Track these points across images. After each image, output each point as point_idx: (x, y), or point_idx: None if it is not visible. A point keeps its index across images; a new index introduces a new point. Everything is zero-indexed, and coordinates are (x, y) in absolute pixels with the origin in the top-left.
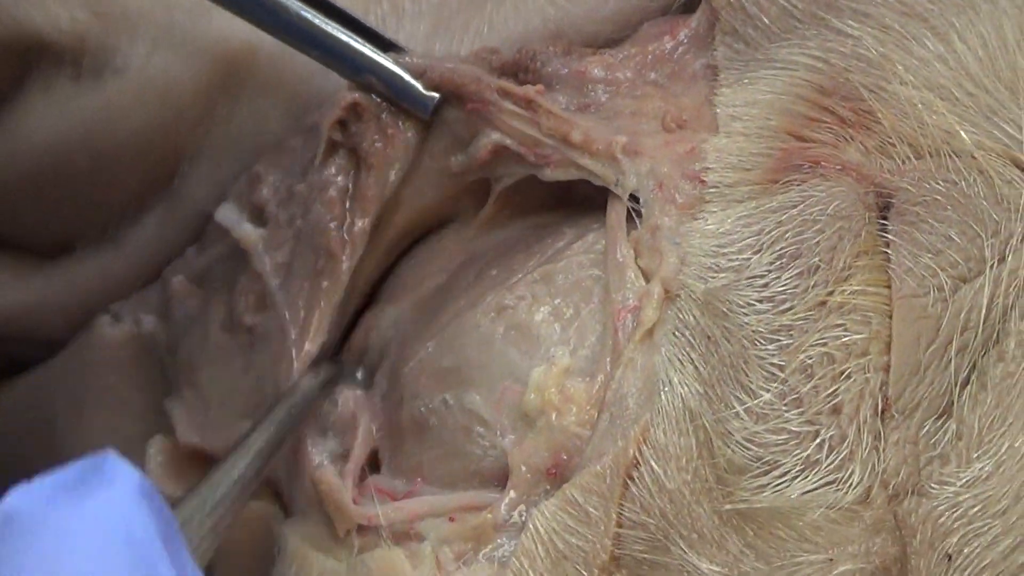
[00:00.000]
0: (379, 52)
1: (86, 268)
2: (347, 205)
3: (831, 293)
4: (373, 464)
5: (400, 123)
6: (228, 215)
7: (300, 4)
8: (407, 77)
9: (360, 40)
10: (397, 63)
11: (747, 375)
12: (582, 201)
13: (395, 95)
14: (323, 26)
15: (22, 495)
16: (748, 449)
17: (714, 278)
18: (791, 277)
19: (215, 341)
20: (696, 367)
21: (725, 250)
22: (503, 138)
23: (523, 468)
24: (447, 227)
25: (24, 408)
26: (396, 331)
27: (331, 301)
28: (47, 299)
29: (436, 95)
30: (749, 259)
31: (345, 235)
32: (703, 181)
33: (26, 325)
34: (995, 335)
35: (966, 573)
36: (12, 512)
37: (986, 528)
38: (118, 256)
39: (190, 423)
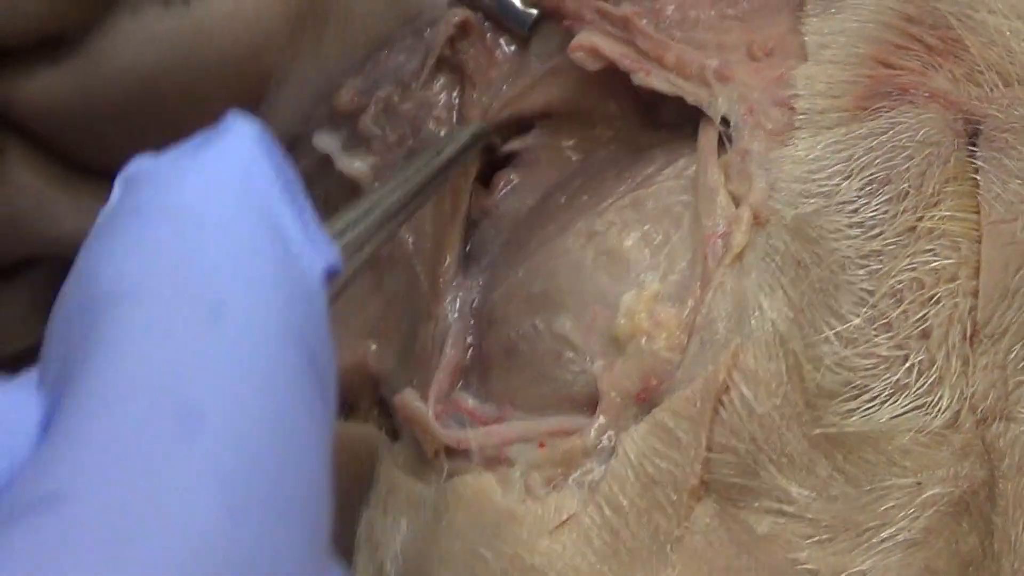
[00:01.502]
0: None
1: None
2: (454, 124)
3: (920, 219)
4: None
5: (502, 41)
6: (327, 142)
7: None
8: None
9: None
10: None
11: (837, 300)
12: (673, 126)
13: (496, 9)
14: None
15: (143, 159)
16: (838, 374)
17: (804, 203)
18: (881, 203)
19: None
20: (786, 292)
21: (815, 176)
22: (598, 41)
23: (613, 393)
24: (540, 148)
25: None
26: (495, 239)
27: (456, 221)
28: None
29: (534, 11)
30: (839, 185)
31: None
32: (792, 108)
33: None
34: None
35: None
36: (131, 173)
37: None
38: None
39: None
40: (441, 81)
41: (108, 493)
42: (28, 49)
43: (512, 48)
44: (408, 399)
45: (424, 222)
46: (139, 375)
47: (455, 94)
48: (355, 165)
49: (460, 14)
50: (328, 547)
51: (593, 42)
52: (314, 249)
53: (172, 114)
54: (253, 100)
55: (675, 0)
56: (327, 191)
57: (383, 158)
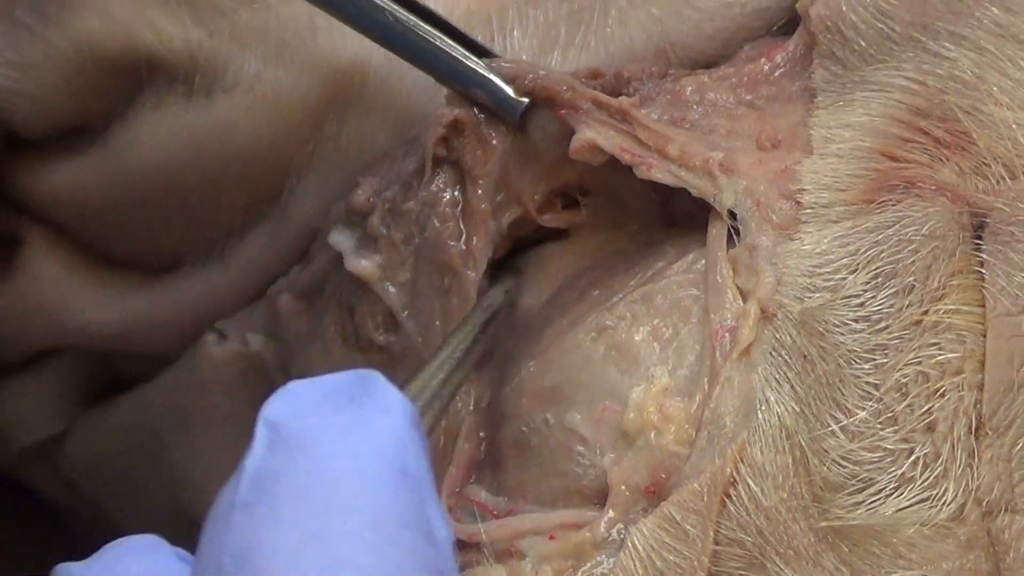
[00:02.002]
0: (471, 56)
1: (193, 285)
2: (460, 220)
3: (926, 312)
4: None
5: (496, 132)
6: (340, 239)
7: (398, 8)
8: (498, 81)
9: (453, 45)
10: (489, 68)
11: (843, 394)
12: (684, 220)
13: (487, 100)
14: (418, 30)
15: (285, 403)
16: (843, 467)
17: (810, 298)
18: (886, 296)
19: (338, 358)
20: (792, 386)
21: (821, 270)
22: (597, 137)
23: (622, 486)
24: (550, 243)
25: (130, 426)
26: (502, 343)
27: (463, 313)
28: (154, 316)
29: (525, 100)
30: (845, 279)
31: (464, 248)
32: (799, 201)
33: (133, 341)
34: None
35: None
36: (278, 421)
37: None
38: (225, 273)
39: None
40: (442, 179)
41: None
42: (52, 141)
43: (509, 138)
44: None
45: (433, 317)
46: None
47: (457, 190)
48: (362, 264)
49: (449, 114)
50: None
51: (592, 139)
52: (448, 527)
53: (194, 205)
54: (273, 193)
55: (694, 83)
56: (342, 287)
57: (390, 257)
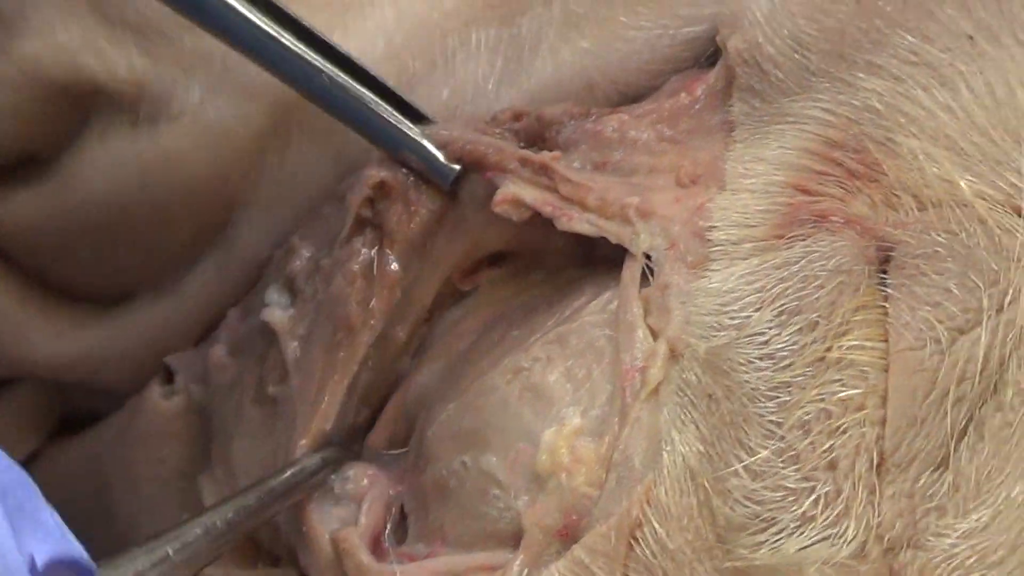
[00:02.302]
0: (404, 121)
1: (144, 317)
2: (370, 280)
3: (829, 349)
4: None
5: (423, 197)
6: (273, 296)
7: (334, 70)
8: (431, 148)
9: (387, 108)
10: (422, 134)
11: (746, 432)
12: (605, 260)
13: (418, 165)
14: (356, 92)
15: None
16: (746, 507)
17: (716, 336)
18: (791, 334)
19: (247, 414)
20: (697, 426)
21: (727, 308)
22: (520, 191)
23: (535, 529)
24: (476, 291)
25: (83, 472)
26: (425, 395)
27: (346, 373)
28: (106, 348)
29: (457, 167)
30: (750, 316)
31: (365, 309)
32: (709, 239)
33: (86, 374)
34: (993, 386)
35: None
36: None
37: None
38: (175, 305)
39: (218, 497)
40: (360, 240)
41: None
42: (1, 171)
43: (436, 202)
44: (350, 535)
45: (314, 370)
46: None
47: (374, 251)
48: (276, 314)
49: (376, 175)
50: None
51: (515, 193)
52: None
53: (143, 236)
54: (220, 223)
55: (616, 122)
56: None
57: (300, 311)
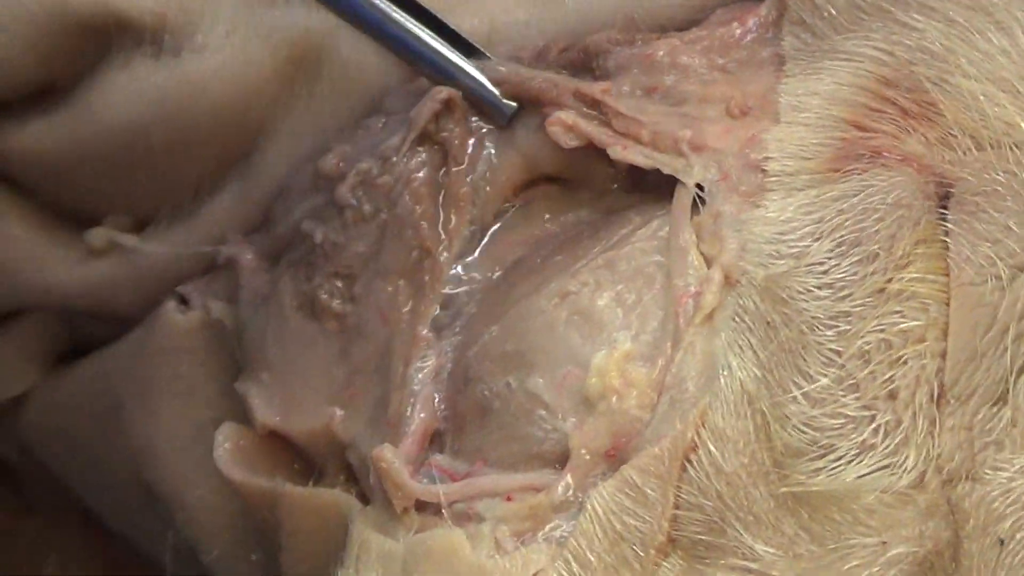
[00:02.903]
0: (464, 58)
1: (159, 246)
2: (439, 201)
3: (890, 280)
4: (436, 445)
5: (485, 126)
6: (311, 206)
7: (390, 5)
8: (489, 85)
9: (446, 44)
10: (481, 70)
11: (805, 360)
12: (653, 188)
13: (477, 101)
14: (411, 28)
15: None
16: (805, 433)
17: (774, 264)
18: (850, 264)
19: (294, 325)
20: (755, 352)
21: (785, 237)
22: (575, 119)
23: (582, 451)
24: (528, 204)
25: (91, 394)
26: (468, 305)
27: (434, 299)
28: (120, 275)
29: (514, 105)
30: (809, 246)
31: (441, 232)
32: (764, 170)
33: (98, 301)
34: None
35: (1018, 558)
36: None
37: None
38: (191, 234)
39: (270, 405)
40: (421, 157)
41: None
42: (20, 101)
43: (495, 132)
44: (385, 453)
45: (398, 293)
46: None
47: (439, 171)
48: (319, 230)
49: (446, 92)
50: None
51: (572, 118)
52: None
53: (162, 165)
54: (241, 153)
55: (667, 46)
56: (303, 251)
57: (354, 230)
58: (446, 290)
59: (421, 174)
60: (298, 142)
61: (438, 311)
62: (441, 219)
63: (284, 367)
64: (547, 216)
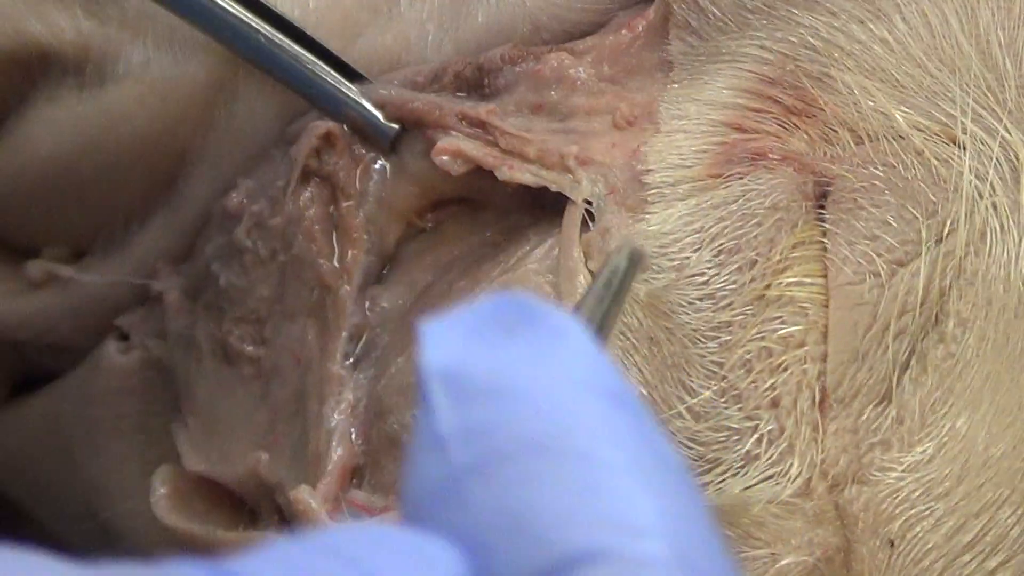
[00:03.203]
0: (343, 81)
1: (95, 275)
2: (333, 237)
3: (768, 286)
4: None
5: (369, 147)
6: (216, 250)
7: (270, 30)
8: (370, 107)
9: (325, 68)
10: (362, 94)
11: (688, 374)
12: (552, 205)
13: (361, 126)
14: (289, 52)
15: (440, 350)
16: (690, 448)
17: (656, 279)
18: (730, 273)
19: (212, 369)
20: (640, 369)
21: (667, 250)
22: (460, 143)
23: None
24: (419, 238)
25: (44, 430)
26: (381, 336)
27: (338, 325)
28: (58, 307)
29: (395, 127)
30: (689, 257)
31: (338, 266)
32: (646, 182)
33: (39, 333)
34: (934, 317)
35: (909, 557)
36: (448, 371)
37: (928, 511)
38: (125, 263)
39: (197, 450)
40: (309, 194)
41: None
42: None
43: (380, 159)
44: (301, 495)
45: (307, 332)
46: None
47: (329, 207)
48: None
49: (323, 126)
50: None
51: (456, 145)
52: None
53: (92, 195)
54: (170, 178)
55: (556, 60)
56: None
57: (254, 274)
58: (355, 320)
59: (311, 212)
60: (222, 167)
61: (351, 345)
62: (337, 254)
63: (208, 412)
64: (455, 239)
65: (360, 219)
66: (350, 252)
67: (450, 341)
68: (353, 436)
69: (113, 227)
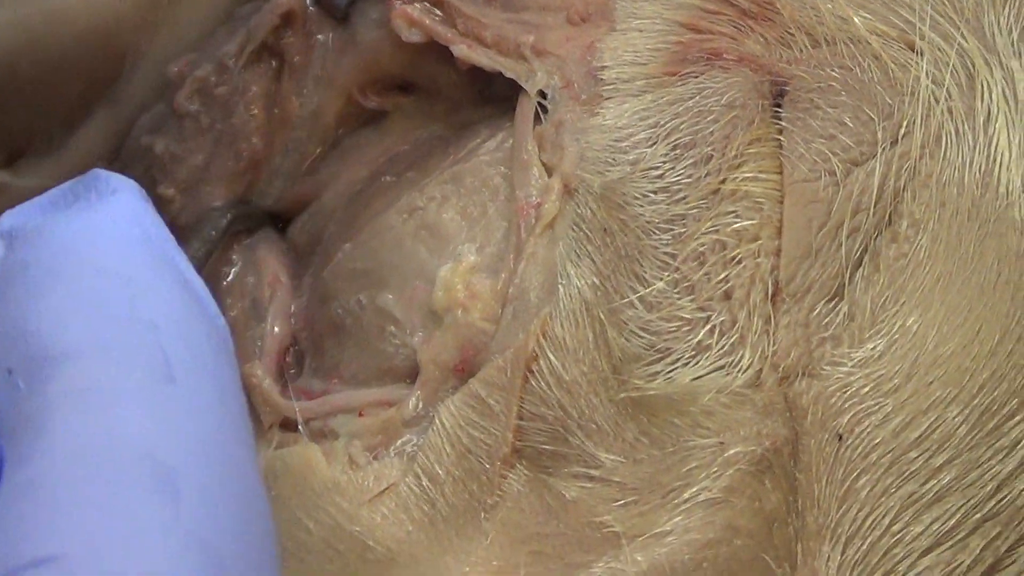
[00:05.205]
0: None
1: (31, 179)
2: (271, 113)
3: (723, 181)
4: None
5: (323, 26)
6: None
7: None
8: None
9: None
10: None
11: (641, 265)
12: (503, 100)
13: None
14: None
15: (15, 216)
16: (641, 337)
17: (610, 171)
18: (685, 167)
19: None
20: (592, 260)
21: (622, 144)
22: (413, 10)
23: (431, 365)
24: (372, 125)
25: None
26: (324, 227)
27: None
28: None
29: None
30: (644, 152)
31: (268, 142)
32: (600, 78)
33: None
34: (887, 216)
35: (856, 452)
36: (11, 230)
37: (877, 407)
38: (62, 165)
39: None
40: (259, 67)
41: (104, 560)
42: None
43: (332, 37)
44: (255, 369)
45: None
46: (109, 437)
47: (274, 83)
48: (160, 142)
49: (285, 4)
50: None
51: (415, 13)
52: (208, 294)
53: (30, 96)
54: (109, 79)
55: None
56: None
57: (192, 142)
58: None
59: (256, 87)
60: (164, 65)
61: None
62: (273, 132)
63: None
64: (402, 133)
65: (296, 101)
66: (276, 133)
67: (24, 209)
68: (293, 321)
69: (51, 129)
